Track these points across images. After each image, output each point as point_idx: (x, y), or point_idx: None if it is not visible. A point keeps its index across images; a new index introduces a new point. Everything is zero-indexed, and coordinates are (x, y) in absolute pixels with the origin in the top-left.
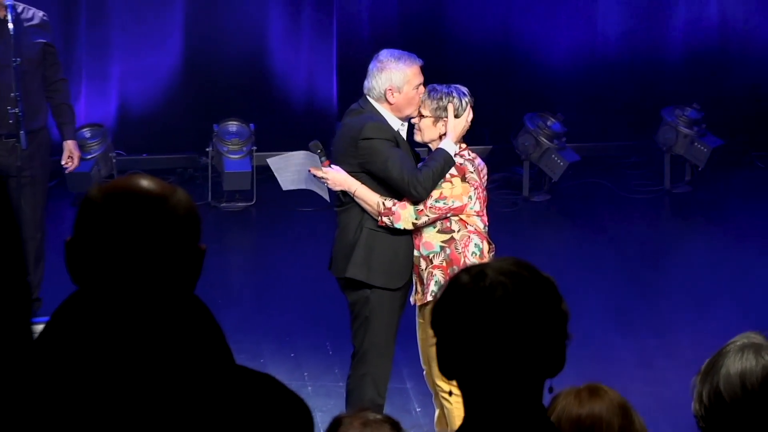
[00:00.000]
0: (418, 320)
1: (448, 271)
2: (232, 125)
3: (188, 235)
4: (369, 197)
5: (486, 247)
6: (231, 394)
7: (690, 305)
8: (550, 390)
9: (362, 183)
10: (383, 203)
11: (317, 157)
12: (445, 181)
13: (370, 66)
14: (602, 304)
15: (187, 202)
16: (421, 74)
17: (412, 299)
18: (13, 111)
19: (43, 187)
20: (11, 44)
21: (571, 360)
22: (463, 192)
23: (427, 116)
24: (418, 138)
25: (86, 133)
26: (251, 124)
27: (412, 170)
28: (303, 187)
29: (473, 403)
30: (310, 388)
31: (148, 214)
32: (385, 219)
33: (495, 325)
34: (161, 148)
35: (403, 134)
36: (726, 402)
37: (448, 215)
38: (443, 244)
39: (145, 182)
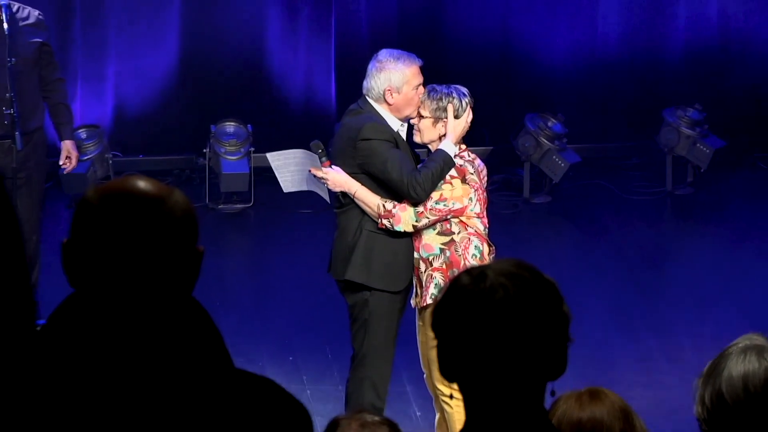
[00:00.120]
0: (418, 323)
1: (448, 274)
2: (230, 126)
3: (186, 236)
4: (369, 199)
5: (486, 249)
6: (230, 397)
7: (691, 307)
8: (552, 393)
9: (362, 184)
10: (383, 205)
11: (317, 157)
12: (445, 183)
13: (369, 66)
14: (603, 306)
15: (184, 204)
16: (420, 74)
17: (412, 302)
18: (8, 112)
19: (39, 188)
20: (6, 44)
21: (572, 362)
22: (463, 194)
23: (426, 117)
24: (417, 139)
25: (82, 134)
26: (249, 125)
27: (411, 171)
28: (304, 188)
29: (474, 406)
30: (309, 391)
31: (145, 216)
32: (385, 221)
33: (496, 327)
34: (158, 149)
35: (403, 135)
36: (728, 404)
37: (449, 217)
38: (443, 246)
39: (142, 183)
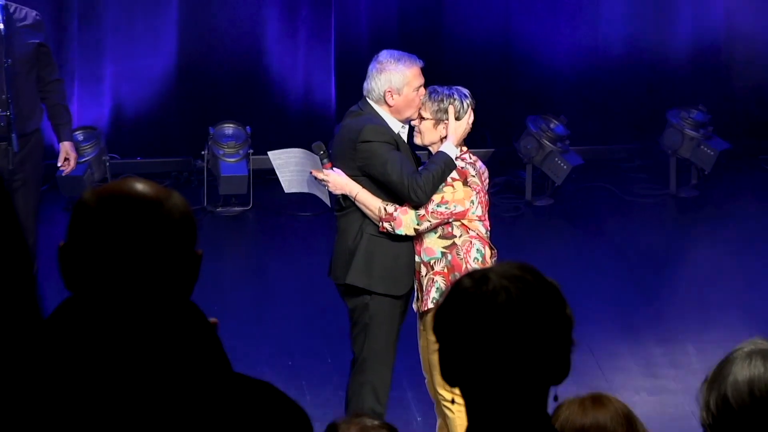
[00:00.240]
0: (419, 327)
1: (450, 278)
2: (228, 128)
3: (184, 240)
4: (370, 202)
5: (488, 252)
6: (228, 402)
7: (696, 311)
8: (555, 399)
9: (362, 187)
10: (384, 208)
11: (318, 158)
12: (446, 185)
13: (370, 67)
14: (606, 310)
15: (182, 207)
16: (421, 76)
17: (413, 306)
18: (5, 113)
19: (35, 191)
20: (3, 45)
21: (574, 367)
22: (464, 196)
23: (427, 118)
24: (418, 141)
25: (79, 135)
26: (248, 127)
27: (412, 174)
28: (305, 190)
29: (476, 411)
30: (308, 396)
31: (142, 219)
32: (386, 225)
33: (498, 331)
34: (156, 151)
35: (404, 137)
36: (734, 409)
37: (450, 220)
38: (444, 250)
39: (140, 186)
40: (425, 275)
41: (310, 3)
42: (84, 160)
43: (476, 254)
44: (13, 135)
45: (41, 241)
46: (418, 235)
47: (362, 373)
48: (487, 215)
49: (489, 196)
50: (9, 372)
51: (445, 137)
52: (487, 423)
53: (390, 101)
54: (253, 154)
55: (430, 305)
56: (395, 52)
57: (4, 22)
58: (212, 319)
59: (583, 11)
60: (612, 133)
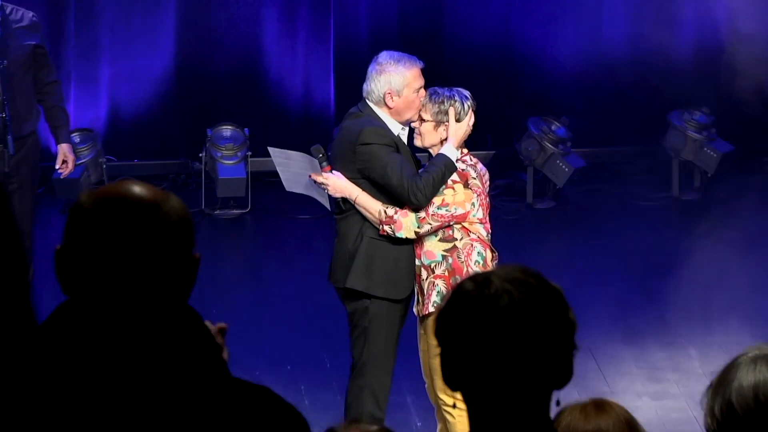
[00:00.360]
0: (419, 331)
1: (451, 281)
2: (226, 130)
3: (182, 243)
4: (370, 205)
5: (489, 255)
6: (227, 406)
7: (699, 315)
8: (558, 403)
9: (362, 189)
10: (385, 211)
11: (317, 162)
12: (447, 188)
13: (370, 68)
14: (608, 313)
15: (180, 209)
16: (421, 77)
17: (414, 310)
18: (0, 116)
19: (31, 193)
20: None
21: (576, 371)
22: (465, 199)
23: (427, 120)
24: (418, 143)
25: (75, 138)
26: (246, 129)
27: (412, 176)
28: (305, 192)
29: (478, 415)
30: (307, 401)
31: (140, 222)
32: (386, 228)
33: (501, 335)
34: (153, 153)
35: (404, 139)
36: (739, 415)
37: (451, 223)
38: (445, 253)
39: (137, 188)
40: (426, 279)
41: (309, 3)
42: (80, 162)
43: (477, 257)
44: (9, 137)
45: (37, 244)
46: (419, 239)
47: (362, 378)
48: (488, 218)
49: (490, 199)
50: (3, 377)
51: (446, 139)
52: (490, 428)
53: (390, 103)
54: (251, 156)
55: (431, 309)
56: (395, 53)
57: (0, 23)
58: (221, 324)
59: (584, 12)
60: (614, 135)
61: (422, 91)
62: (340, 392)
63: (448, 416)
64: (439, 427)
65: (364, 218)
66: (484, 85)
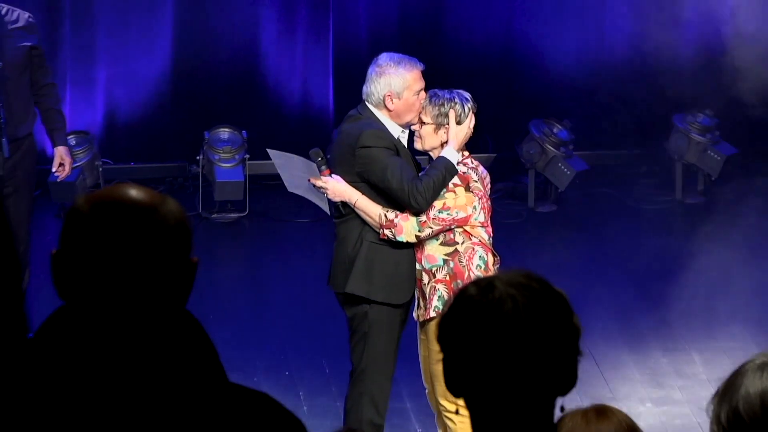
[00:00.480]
0: (420, 336)
1: (452, 285)
2: (224, 132)
3: (179, 246)
4: (370, 209)
5: (491, 259)
6: (225, 412)
7: (702, 320)
8: (561, 409)
9: (362, 193)
10: (385, 215)
11: (316, 166)
12: (448, 191)
13: (369, 70)
14: (611, 318)
15: (177, 213)
16: (421, 79)
17: (414, 315)
18: None
19: (27, 197)
20: None
21: (578, 377)
22: (467, 202)
23: (428, 123)
24: (418, 146)
25: (71, 140)
26: (244, 131)
27: (412, 180)
28: (305, 196)
29: (481, 422)
30: (305, 407)
31: (137, 225)
32: (386, 231)
33: (504, 340)
34: (150, 156)
35: (404, 142)
36: (746, 423)
37: (452, 227)
38: (446, 257)
39: (134, 192)
40: (427, 283)
41: (308, 4)
42: (76, 165)
43: (479, 261)
44: (4, 140)
45: (33, 248)
46: (420, 243)
47: (361, 383)
48: (489, 221)
49: (491, 202)
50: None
51: (446, 142)
52: None
53: (390, 105)
54: (249, 159)
55: (432, 314)
56: (395, 55)
57: None
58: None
59: (587, 14)
60: (617, 138)
61: (422, 93)
62: (339, 398)
63: (449, 422)
64: None
65: (364, 222)
66: (485, 87)
